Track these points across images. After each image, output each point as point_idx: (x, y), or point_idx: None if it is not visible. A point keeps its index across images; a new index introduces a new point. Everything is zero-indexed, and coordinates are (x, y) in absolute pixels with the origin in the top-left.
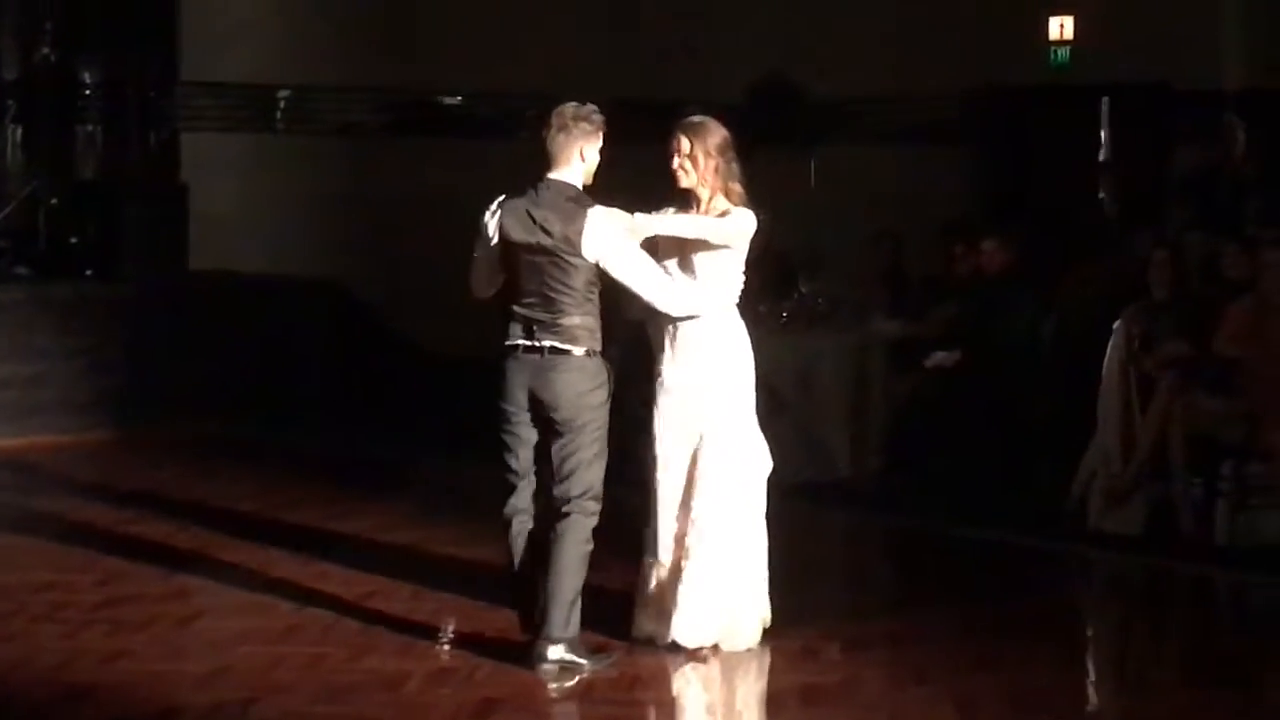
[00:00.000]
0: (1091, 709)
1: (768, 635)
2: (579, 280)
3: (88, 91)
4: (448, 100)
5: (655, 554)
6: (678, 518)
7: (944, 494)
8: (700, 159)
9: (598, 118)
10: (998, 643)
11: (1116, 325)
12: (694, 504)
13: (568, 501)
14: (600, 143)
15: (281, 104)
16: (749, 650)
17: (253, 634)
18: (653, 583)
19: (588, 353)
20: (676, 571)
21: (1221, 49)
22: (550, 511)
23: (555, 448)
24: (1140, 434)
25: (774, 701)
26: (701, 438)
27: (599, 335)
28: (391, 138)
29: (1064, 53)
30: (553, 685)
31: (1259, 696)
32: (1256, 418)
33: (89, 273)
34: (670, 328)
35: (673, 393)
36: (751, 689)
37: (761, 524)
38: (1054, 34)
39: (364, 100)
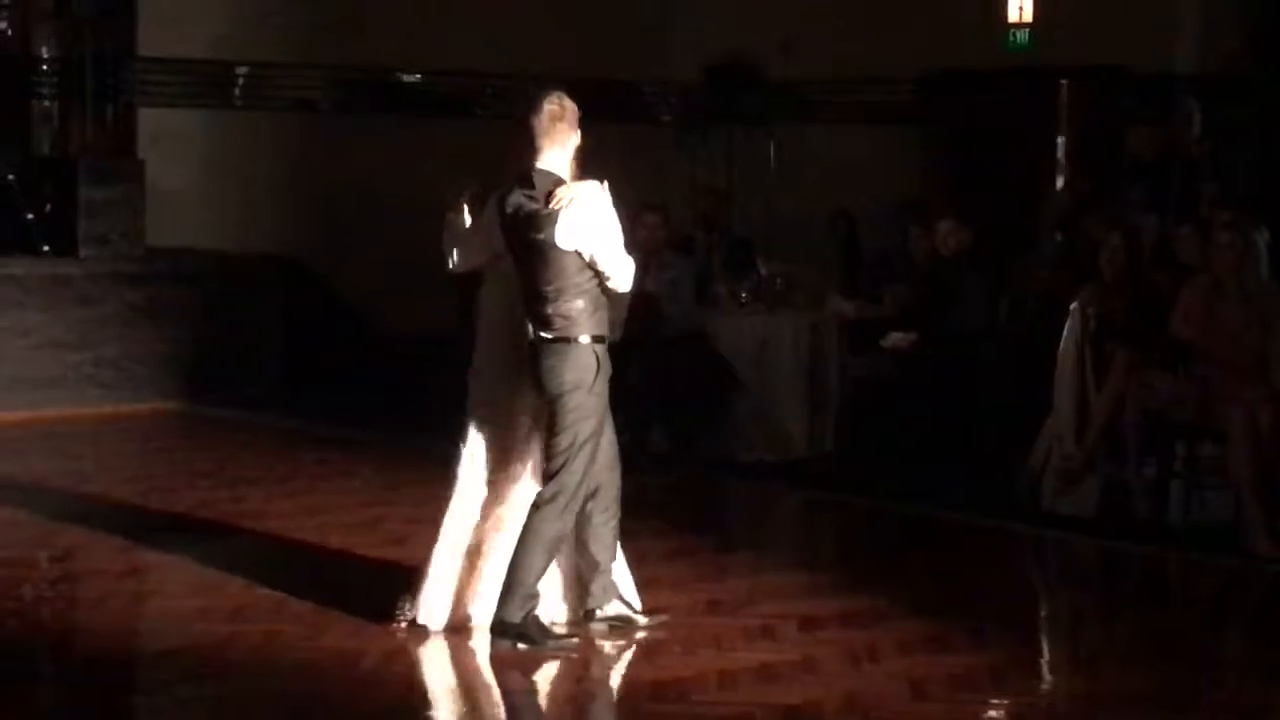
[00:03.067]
0: (1045, 688)
1: (723, 612)
2: (566, 270)
3: (44, 66)
4: (406, 78)
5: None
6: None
7: (899, 474)
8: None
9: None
10: (952, 622)
11: (1073, 307)
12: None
13: (542, 489)
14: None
15: (239, 80)
16: (704, 628)
17: (207, 612)
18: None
19: (576, 340)
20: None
21: (1177, 33)
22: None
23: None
24: (1094, 415)
25: (730, 679)
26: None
27: (595, 322)
28: (349, 115)
29: (1023, 35)
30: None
31: (1212, 675)
32: (1209, 398)
33: (45, 249)
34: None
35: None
36: (708, 666)
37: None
38: (1013, 16)
39: (322, 77)
